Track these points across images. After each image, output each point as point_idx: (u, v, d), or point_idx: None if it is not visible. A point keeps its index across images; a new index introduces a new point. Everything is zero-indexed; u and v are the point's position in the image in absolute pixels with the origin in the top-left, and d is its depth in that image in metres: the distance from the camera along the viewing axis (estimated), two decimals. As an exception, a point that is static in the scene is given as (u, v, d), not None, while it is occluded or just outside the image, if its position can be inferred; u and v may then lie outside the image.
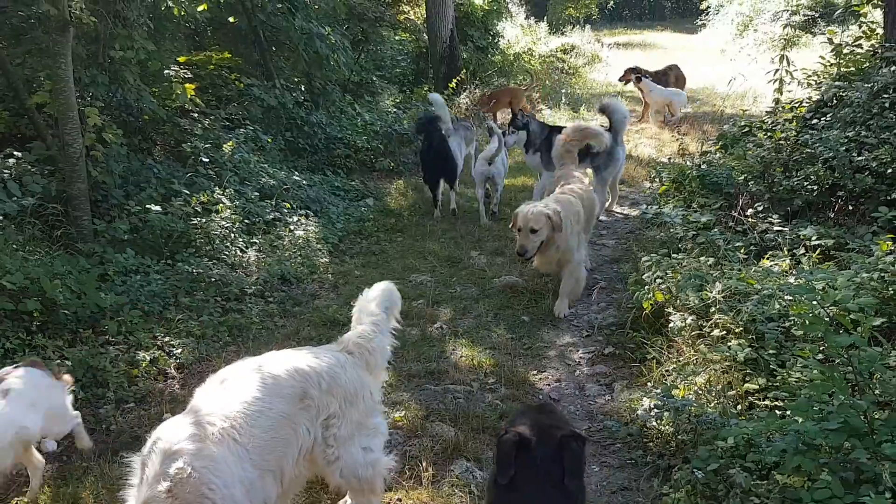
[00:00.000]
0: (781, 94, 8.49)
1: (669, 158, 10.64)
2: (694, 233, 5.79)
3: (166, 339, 5.47)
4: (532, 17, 26.89)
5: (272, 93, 10.28)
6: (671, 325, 4.59)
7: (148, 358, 5.19)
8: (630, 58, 24.64)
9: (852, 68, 7.25)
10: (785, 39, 8.71)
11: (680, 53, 25.96)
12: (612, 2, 36.80)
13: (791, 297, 3.84)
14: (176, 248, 6.82)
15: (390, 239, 8.02)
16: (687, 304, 4.55)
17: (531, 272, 6.74)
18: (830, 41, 7.69)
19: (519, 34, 21.73)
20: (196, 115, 8.68)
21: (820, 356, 3.43)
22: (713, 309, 4.33)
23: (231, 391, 2.86)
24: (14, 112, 7.37)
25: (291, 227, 7.75)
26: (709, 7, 33.47)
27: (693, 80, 18.84)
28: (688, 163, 7.80)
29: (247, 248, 7.22)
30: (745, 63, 21.58)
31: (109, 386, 4.80)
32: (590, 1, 32.87)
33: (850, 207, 5.83)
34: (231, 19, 11.20)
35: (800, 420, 2.89)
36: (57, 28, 6.30)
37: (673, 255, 5.38)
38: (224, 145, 8.40)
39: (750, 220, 5.72)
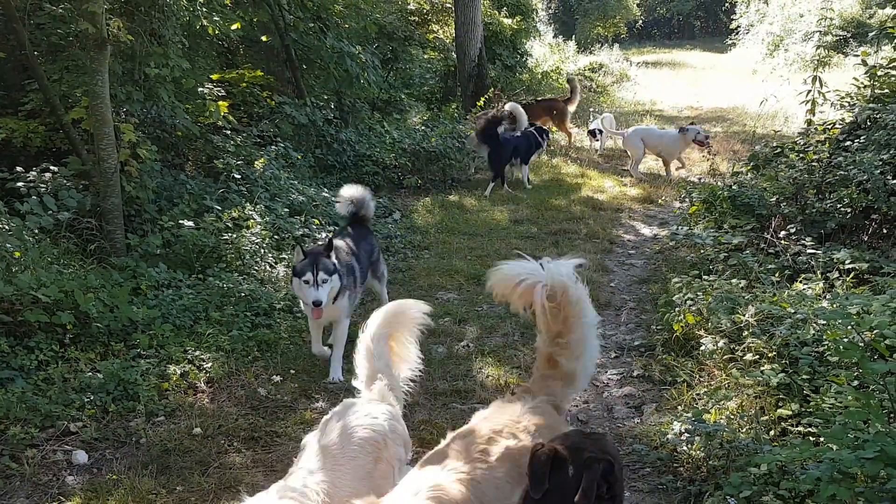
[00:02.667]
0: (814, 115, 8.39)
1: (699, 178, 10.62)
2: (725, 254, 5.73)
3: (196, 352, 5.51)
4: (560, 36, 27.00)
5: (303, 110, 10.41)
6: (702, 347, 4.53)
7: (178, 371, 5.23)
8: (659, 76, 24.65)
9: (886, 90, 7.16)
10: (817, 60, 8.61)
11: (709, 72, 25.93)
12: (640, 21, 36.76)
13: (825, 322, 3.78)
14: (207, 263, 6.90)
15: (417, 256, 8.04)
16: (719, 327, 4.50)
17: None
18: (864, 63, 7.60)
19: (547, 53, 21.82)
20: (229, 131, 8.80)
21: (855, 383, 3.36)
22: (746, 332, 4.28)
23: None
24: (50, 127, 7.53)
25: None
26: (739, 26, 33.37)
27: (723, 99, 18.79)
28: (719, 183, 7.74)
29: (276, 263, 7.29)
30: (777, 83, 21.50)
31: (140, 399, 4.84)
32: (619, 20, 32.94)
33: (885, 231, 5.73)
34: (264, 38, 11.39)
35: (835, 448, 2.84)
36: (94, 46, 6.45)
37: (704, 277, 5.33)
38: (256, 162, 8.51)
39: (783, 242, 5.65)
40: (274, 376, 5.31)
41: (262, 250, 7.29)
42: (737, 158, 10.80)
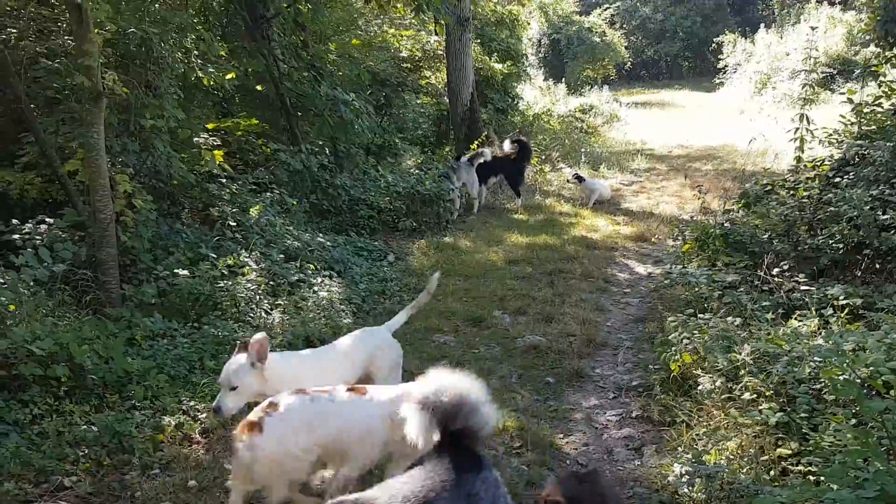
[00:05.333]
0: (803, 152, 8.51)
1: (691, 216, 10.68)
2: (719, 292, 5.75)
3: (192, 402, 5.46)
4: (551, 80, 27.39)
5: (298, 157, 10.50)
6: (700, 387, 4.52)
7: (173, 423, 5.18)
8: (649, 116, 24.94)
9: (873, 127, 7.27)
10: (804, 98, 8.77)
11: (698, 112, 26.27)
12: (629, 62, 37.31)
13: (822, 360, 3.78)
14: (202, 312, 6.88)
15: (412, 298, 8.01)
16: (716, 366, 4.49)
17: (555, 332, 6.71)
18: (850, 100, 7.73)
19: (538, 95, 22.10)
20: (224, 179, 8.87)
21: (853, 421, 3.35)
22: (742, 371, 4.27)
23: None
24: (46, 179, 7.57)
25: (315, 289, 7.80)
26: (726, 66, 33.86)
27: (712, 138, 19.00)
28: (710, 220, 7.80)
29: (272, 309, 7.27)
30: (765, 122, 21.78)
31: (135, 452, 4.79)
32: (607, 62, 33.42)
33: (877, 265, 5.77)
34: (259, 87, 11.53)
35: (835, 488, 2.82)
36: (90, 99, 6.52)
37: (699, 316, 5.34)
38: (251, 209, 8.54)
39: (776, 279, 5.68)
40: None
41: (258, 297, 7.29)
42: (727, 196, 10.89)
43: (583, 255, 9.13)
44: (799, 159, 8.50)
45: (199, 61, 9.33)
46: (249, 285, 7.31)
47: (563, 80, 28.78)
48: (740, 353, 4.41)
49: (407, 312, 5.52)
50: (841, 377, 3.16)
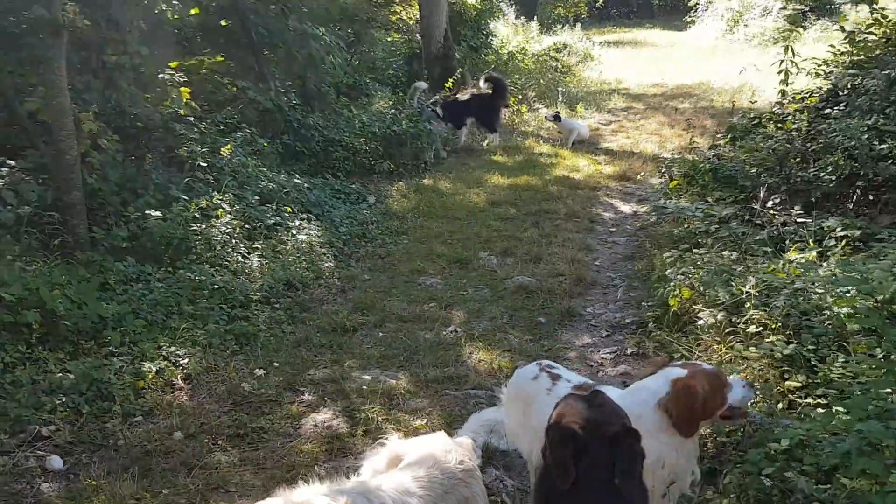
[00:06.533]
0: (787, 85, 8.37)
1: (673, 154, 10.56)
2: (715, 227, 5.63)
3: (171, 348, 5.25)
4: (522, 17, 26.75)
5: (267, 95, 10.09)
6: (700, 322, 4.41)
7: (154, 369, 4.97)
8: (622, 55, 24.60)
9: (862, 56, 7.12)
10: (788, 31, 8.56)
11: (670, 50, 25.97)
12: (601, 1, 36.67)
13: (828, 291, 3.68)
14: (176, 256, 6.61)
15: (395, 241, 7.83)
16: (717, 301, 4.38)
17: (544, 272, 6.58)
18: (842, 28, 7.54)
19: (510, 33, 21.57)
20: (192, 119, 8.48)
21: (879, 351, 3.26)
22: (748, 304, 4.16)
23: None
24: (4, 121, 7.15)
25: (293, 232, 7.55)
26: (697, 3, 33.44)
27: (687, 76, 18.79)
28: (694, 157, 7.66)
29: (249, 253, 7.02)
30: (740, 59, 21.59)
31: (115, 399, 4.58)
32: (579, 0, 32.78)
33: (871, 197, 5.69)
34: (223, 23, 10.97)
35: (858, 419, 2.73)
36: (50, 33, 6.11)
37: (694, 251, 5.22)
38: (222, 149, 8.19)
39: (771, 212, 5.58)
40: (256, 370, 5.09)
41: (234, 240, 7.03)
42: (709, 133, 10.78)
43: (566, 196, 8.97)
44: (784, 92, 8.36)
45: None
46: (224, 228, 7.04)
47: (535, 17, 28.16)
48: (744, 287, 4.30)
49: None
50: (864, 308, 3.05)
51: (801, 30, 24.65)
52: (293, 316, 6.11)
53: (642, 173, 9.65)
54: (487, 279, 6.65)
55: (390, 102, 13.43)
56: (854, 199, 5.83)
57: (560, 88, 15.87)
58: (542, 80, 17.03)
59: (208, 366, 5.17)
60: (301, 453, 4.20)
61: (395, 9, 17.06)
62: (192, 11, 9.88)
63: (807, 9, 24.96)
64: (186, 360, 5.16)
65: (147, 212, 6.62)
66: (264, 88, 10.23)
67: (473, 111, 12.03)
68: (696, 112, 13.42)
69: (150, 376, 4.91)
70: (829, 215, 5.50)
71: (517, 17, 25.96)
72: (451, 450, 3.19)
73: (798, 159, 6.17)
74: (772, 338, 3.89)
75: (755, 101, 8.21)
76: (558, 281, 6.44)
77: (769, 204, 5.78)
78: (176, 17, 9.12)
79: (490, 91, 12.05)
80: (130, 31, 8.03)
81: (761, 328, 4.04)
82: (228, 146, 8.26)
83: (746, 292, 4.22)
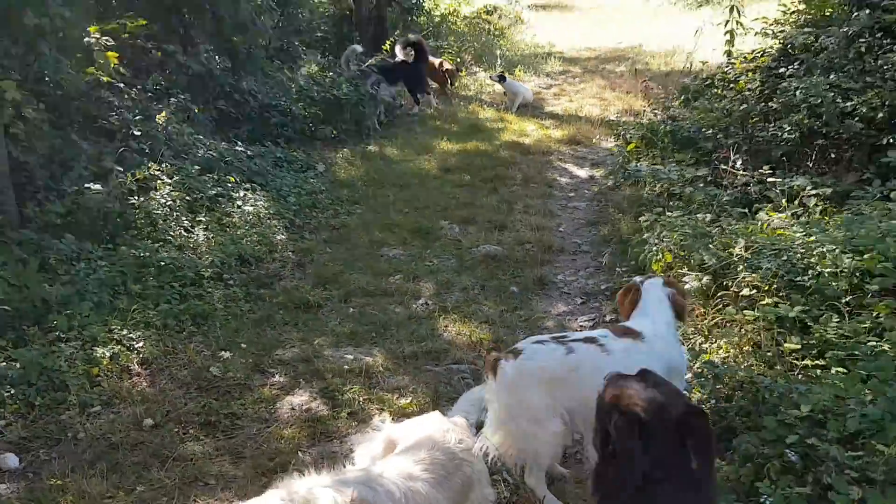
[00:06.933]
0: (733, 45, 8.43)
1: (618, 116, 10.55)
2: (681, 189, 5.58)
3: (124, 331, 4.85)
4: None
5: (197, 59, 9.48)
6: (687, 286, 4.32)
7: (108, 354, 4.58)
8: (550, 19, 24.50)
9: (815, 14, 7.17)
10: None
11: (597, 14, 26.04)
12: (524, -37, 36.40)
13: (828, 249, 3.64)
14: (115, 231, 6.16)
15: (348, 211, 7.51)
16: (702, 264, 4.31)
17: (510, 240, 6.43)
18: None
19: (440, -6, 21.12)
20: (122, 86, 7.88)
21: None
22: (741, 267, 4.10)
23: None
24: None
25: (238, 203, 7.13)
26: (620, -33, 33.71)
27: (616, 39, 18.87)
28: (651, 119, 7.61)
29: (193, 227, 6.59)
30: (668, 22, 21.80)
31: (70, 389, 4.20)
32: (503, -38, 32.47)
33: (833, 155, 5.74)
34: (142, -19, 10.21)
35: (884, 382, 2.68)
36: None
37: (668, 213, 5.15)
38: (157, 116, 7.65)
39: (741, 172, 5.55)
40: (221, 352, 4.76)
41: (175, 213, 6.59)
42: (653, 96, 10.81)
43: (519, 161, 8.80)
44: (729, 53, 8.42)
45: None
46: (164, 200, 6.59)
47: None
48: (728, 249, 4.25)
49: None
50: (878, 263, 2.99)
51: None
52: (249, 293, 5.77)
53: (593, 137, 9.55)
54: (452, 249, 6.45)
55: (318, 67, 12.92)
56: (814, 158, 5.87)
57: (498, 52, 15.63)
58: (476, 44, 16.77)
59: (166, 349, 4.82)
60: (282, 439, 3.94)
61: (323, -32, 16.35)
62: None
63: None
64: (141, 344, 4.79)
65: (86, 185, 6.12)
66: (192, 52, 9.62)
67: (400, 77, 11.71)
68: (634, 75, 13.43)
69: (105, 362, 4.53)
70: (792, 175, 5.52)
71: (445, -21, 25.50)
72: (449, 429, 3.04)
73: (756, 119, 6.16)
74: (766, 300, 3.84)
75: (705, 62, 8.17)
76: (525, 248, 6.29)
77: (738, 164, 5.75)
78: (96, -27, 8.41)
79: (412, 55, 11.81)
80: (49, -11, 7.35)
81: (754, 290, 3.99)
82: (163, 113, 7.72)
83: (737, 254, 4.15)
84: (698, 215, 4.98)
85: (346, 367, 4.58)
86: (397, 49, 12.30)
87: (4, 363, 4.30)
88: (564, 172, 8.49)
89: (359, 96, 10.46)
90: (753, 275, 3.95)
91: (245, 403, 4.29)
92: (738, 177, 5.56)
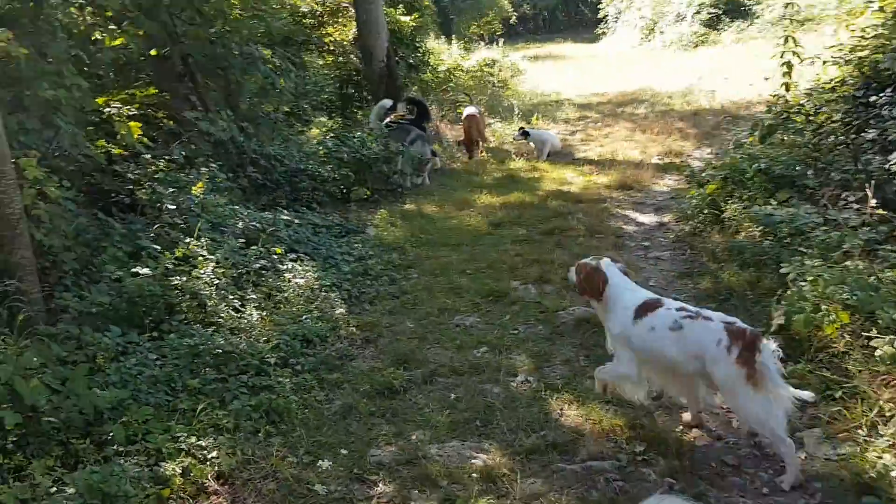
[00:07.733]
0: (791, 77, 7.97)
1: (662, 159, 10.05)
2: (807, 233, 4.96)
3: (192, 440, 4.13)
4: (442, 36, 26.27)
5: (217, 126, 8.92)
6: (878, 352, 3.65)
7: (178, 470, 3.86)
8: (545, 68, 24.41)
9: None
10: (789, 19, 8.17)
11: (591, 61, 26.03)
12: (514, 18, 36.71)
13: None
14: (158, 317, 5.49)
15: (405, 277, 6.84)
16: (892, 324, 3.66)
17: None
18: (882, 10, 7.05)
19: (441, 51, 20.97)
20: (149, 157, 7.30)
21: None
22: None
23: None
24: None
25: (287, 276, 6.48)
26: (607, 15, 33.95)
27: (623, 84, 18.62)
28: (732, 158, 7.06)
29: (243, 305, 5.92)
30: (666, 64, 21.72)
31: (138, 518, 3.47)
32: (492, 18, 32.65)
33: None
34: (153, 52, 9.71)
35: None
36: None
37: (805, 263, 4.52)
38: (193, 188, 7.03)
39: (879, 212, 4.95)
40: (321, 461, 4.01)
41: (223, 292, 5.92)
42: (688, 136, 10.36)
43: (573, 211, 8.21)
44: (787, 86, 7.95)
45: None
46: (208, 279, 5.93)
47: (453, 37, 27.76)
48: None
49: None
50: None
51: (716, 33, 25.34)
52: (321, 378, 5.06)
53: (648, 180, 8.98)
54: (536, 313, 5.77)
55: (330, 127, 12.43)
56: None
57: (512, 101, 15.30)
58: (482, 96, 16.44)
59: (245, 457, 4.08)
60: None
61: (327, 30, 16.04)
62: (116, 42, 8.63)
63: (720, 12, 25.58)
64: (214, 454, 4.05)
65: (132, 269, 5.52)
66: (211, 119, 9.07)
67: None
68: (658, 116, 13.04)
69: (177, 481, 3.79)
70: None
71: (436, 38, 25.48)
72: None
73: (878, 148, 5.61)
74: None
75: (777, 97, 7.63)
76: (621, 309, 5.63)
77: (873, 202, 5.13)
78: (116, 42, 7.92)
79: (412, 115, 11.35)
80: (63, 61, 6.82)
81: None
82: (200, 184, 7.10)
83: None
84: (846, 263, 4.35)
85: (460, 469, 3.86)
86: (399, 106, 11.88)
87: (55, 488, 3.56)
88: (628, 220, 7.90)
89: (388, 154, 9.92)
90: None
91: (356, 526, 3.56)
92: (871, 216, 4.95)
